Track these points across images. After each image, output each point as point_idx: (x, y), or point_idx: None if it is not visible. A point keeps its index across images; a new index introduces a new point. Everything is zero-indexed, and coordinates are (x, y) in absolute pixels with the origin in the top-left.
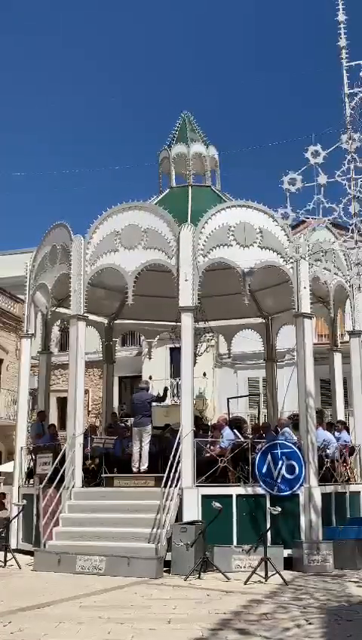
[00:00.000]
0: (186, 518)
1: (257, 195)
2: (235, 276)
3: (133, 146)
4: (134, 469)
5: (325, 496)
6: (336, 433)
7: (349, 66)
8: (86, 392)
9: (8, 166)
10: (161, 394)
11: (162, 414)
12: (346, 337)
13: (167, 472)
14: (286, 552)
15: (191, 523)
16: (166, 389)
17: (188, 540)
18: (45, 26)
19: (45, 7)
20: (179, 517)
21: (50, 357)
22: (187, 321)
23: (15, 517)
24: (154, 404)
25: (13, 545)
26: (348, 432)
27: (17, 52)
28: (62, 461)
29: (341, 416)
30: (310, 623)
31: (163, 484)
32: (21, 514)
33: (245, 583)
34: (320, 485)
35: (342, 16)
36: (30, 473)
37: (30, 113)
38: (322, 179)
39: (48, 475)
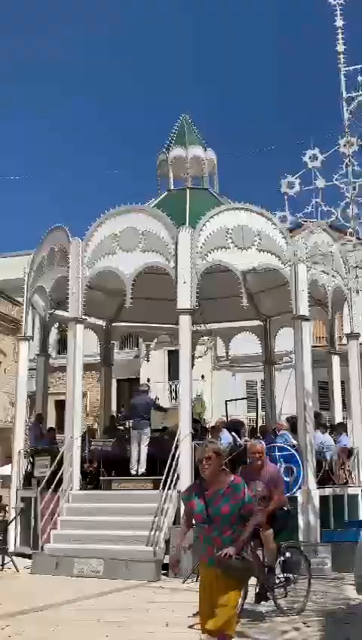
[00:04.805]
0: None
1: (255, 198)
2: (233, 279)
3: (132, 148)
4: (132, 472)
5: (323, 499)
6: (333, 435)
7: (347, 70)
8: (84, 394)
9: (8, 167)
10: (161, 405)
11: (160, 417)
12: (344, 340)
13: (165, 474)
14: None
15: None
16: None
17: (187, 543)
18: (45, 26)
19: (45, 6)
20: (177, 520)
21: (48, 359)
22: (185, 324)
23: (13, 520)
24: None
25: (11, 548)
26: (347, 435)
27: (16, 52)
28: (61, 464)
29: (339, 419)
30: (308, 626)
31: (161, 487)
32: (19, 517)
33: None
34: (318, 488)
35: (340, 22)
36: (28, 476)
37: (30, 114)
38: (320, 182)
39: (46, 478)
